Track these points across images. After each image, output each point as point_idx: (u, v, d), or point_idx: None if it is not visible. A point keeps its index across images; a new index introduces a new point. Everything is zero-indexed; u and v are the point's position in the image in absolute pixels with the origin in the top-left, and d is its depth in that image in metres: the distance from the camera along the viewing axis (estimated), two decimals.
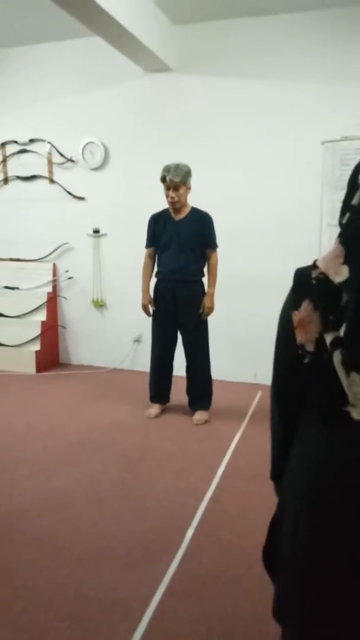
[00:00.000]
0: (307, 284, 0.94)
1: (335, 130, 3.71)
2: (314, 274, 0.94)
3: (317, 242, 3.67)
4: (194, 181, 3.37)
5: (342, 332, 0.87)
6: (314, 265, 0.96)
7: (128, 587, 1.91)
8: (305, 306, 0.93)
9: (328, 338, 0.89)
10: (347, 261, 0.90)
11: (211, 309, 3.43)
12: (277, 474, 1.14)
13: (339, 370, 0.88)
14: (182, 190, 3.27)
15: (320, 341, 0.91)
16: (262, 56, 4.00)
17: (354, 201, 0.91)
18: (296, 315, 0.95)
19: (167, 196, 3.30)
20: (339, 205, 3.49)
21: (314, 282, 0.93)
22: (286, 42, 3.92)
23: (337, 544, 0.94)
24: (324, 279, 0.92)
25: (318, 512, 0.95)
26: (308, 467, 0.98)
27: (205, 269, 3.48)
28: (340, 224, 0.95)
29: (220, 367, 4.00)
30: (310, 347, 0.93)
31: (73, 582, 1.94)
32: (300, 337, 0.94)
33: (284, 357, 1.04)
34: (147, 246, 3.52)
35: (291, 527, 1.02)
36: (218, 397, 3.66)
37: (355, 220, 0.90)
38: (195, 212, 3.41)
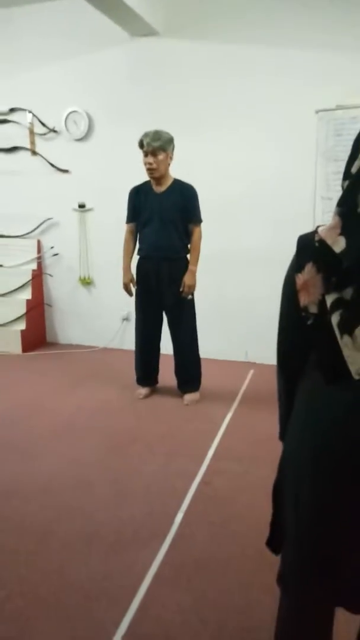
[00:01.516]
0: (310, 247, 0.96)
1: (330, 99, 3.55)
2: (317, 237, 0.96)
3: (311, 215, 3.55)
4: (181, 152, 3.22)
5: (348, 295, 0.90)
6: (316, 231, 0.98)
7: (115, 575, 1.85)
8: (309, 269, 0.96)
9: (329, 299, 0.92)
10: (343, 233, 0.92)
11: (192, 287, 3.25)
12: (284, 434, 1.17)
13: (336, 330, 0.92)
14: (161, 157, 3.05)
15: (323, 303, 0.94)
16: (253, 21, 3.80)
17: (353, 169, 0.91)
18: (300, 279, 0.98)
19: (145, 163, 3.09)
20: (332, 177, 3.38)
21: (316, 244, 0.95)
22: (279, 7, 3.72)
23: (342, 505, 0.96)
24: (326, 243, 0.94)
25: (321, 471, 0.97)
26: (311, 426, 1.01)
27: (189, 245, 3.30)
28: (342, 188, 0.95)
29: (211, 346, 3.92)
30: (313, 309, 0.96)
31: (59, 570, 1.88)
32: (303, 299, 0.98)
33: (288, 319, 1.07)
34: (128, 221, 3.34)
35: (293, 493, 1.04)
36: (209, 376, 3.59)
37: (353, 190, 0.91)
38: (177, 183, 3.21)
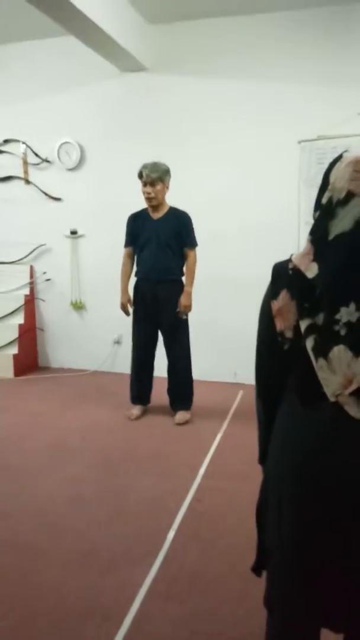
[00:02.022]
0: (284, 275, 1.01)
1: (312, 129, 3.74)
2: (290, 265, 1.01)
3: (296, 241, 3.69)
4: (172, 181, 3.36)
5: (319, 320, 0.93)
6: (290, 259, 1.03)
7: (109, 591, 1.88)
8: (283, 296, 1.00)
9: (303, 325, 0.96)
10: (315, 259, 0.96)
11: (188, 308, 3.41)
12: (264, 457, 1.19)
13: (311, 354, 0.95)
14: (159, 187, 3.25)
15: (297, 328, 0.97)
16: (237, 56, 4.02)
17: (324, 200, 0.98)
18: (275, 305, 1.02)
19: (144, 192, 3.29)
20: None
21: (290, 272, 1.00)
22: (261, 42, 3.94)
23: (321, 528, 0.98)
24: (298, 270, 0.98)
25: (301, 494, 1.00)
26: (289, 448, 1.03)
27: (184, 268, 3.46)
28: (313, 218, 1.02)
29: (201, 367, 3.99)
30: (289, 334, 1.00)
31: (53, 588, 1.91)
32: (279, 324, 1.01)
33: (264, 345, 1.10)
34: (126, 245, 3.50)
35: (275, 515, 1.06)
36: (199, 396, 3.65)
37: (323, 219, 0.96)
38: (173, 211, 3.40)
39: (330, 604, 1.04)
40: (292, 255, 1.03)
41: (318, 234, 0.98)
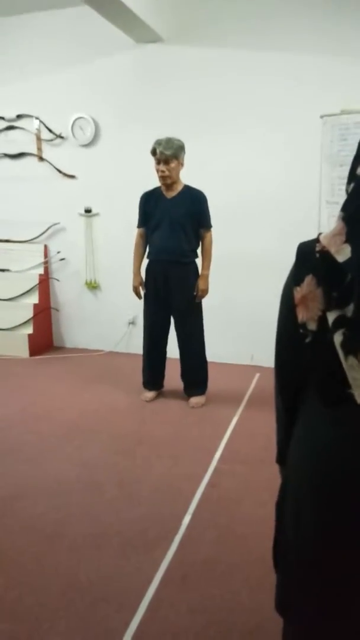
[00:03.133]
0: (310, 259, 0.88)
1: (335, 104, 3.57)
2: (318, 247, 0.88)
3: (316, 220, 3.56)
4: (187, 158, 3.25)
5: (349, 312, 0.81)
6: (318, 240, 0.90)
7: (124, 576, 1.87)
8: (308, 282, 0.88)
9: (331, 317, 0.84)
10: (348, 239, 0.84)
11: (205, 292, 3.31)
12: (283, 457, 1.10)
13: (339, 351, 0.83)
14: (173, 165, 3.12)
15: (323, 319, 0.86)
16: (258, 26, 3.84)
17: (359, 171, 0.85)
18: (298, 292, 0.90)
19: (158, 170, 3.15)
20: (337, 182, 3.38)
21: (317, 255, 0.87)
22: (284, 11, 3.76)
23: (342, 532, 0.90)
24: (327, 254, 0.86)
25: (322, 500, 0.92)
26: (310, 452, 0.94)
27: (199, 250, 3.36)
28: (346, 192, 0.88)
29: (217, 350, 3.94)
30: (312, 326, 0.88)
31: (68, 571, 1.90)
32: (301, 315, 0.89)
33: (285, 336, 0.99)
34: (139, 226, 3.40)
35: (294, 517, 0.99)
36: (215, 380, 3.61)
37: (358, 193, 0.84)
38: (188, 190, 3.27)
39: (350, 618, 0.96)
40: (319, 234, 0.91)
41: (352, 210, 0.85)
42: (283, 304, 0.96)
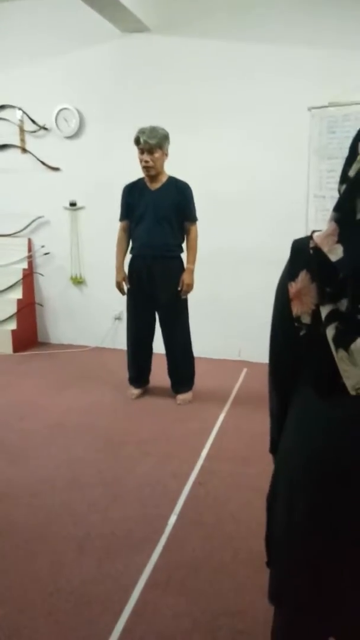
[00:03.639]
0: (305, 254, 0.91)
1: (323, 96, 3.53)
2: (312, 244, 0.90)
3: (304, 214, 3.53)
4: (173, 149, 3.18)
5: (342, 306, 0.85)
6: (311, 237, 0.92)
7: (108, 580, 1.82)
8: (302, 277, 0.91)
9: (324, 311, 0.87)
10: (340, 240, 0.86)
11: (190, 286, 3.22)
12: (276, 448, 1.12)
13: (332, 344, 0.87)
14: (157, 155, 3.02)
15: (316, 313, 0.90)
16: (246, 17, 3.78)
17: (351, 172, 0.86)
18: (293, 287, 0.93)
19: (141, 160, 3.05)
20: (326, 175, 3.34)
21: (311, 251, 0.89)
22: (272, 5, 3.70)
23: (333, 519, 0.92)
24: (321, 251, 0.88)
25: (315, 487, 0.94)
26: (303, 441, 0.96)
27: (184, 244, 3.28)
28: (339, 192, 0.90)
29: (204, 344, 3.89)
30: (306, 319, 0.92)
31: (50, 574, 1.84)
32: (296, 309, 0.93)
33: (280, 330, 1.02)
34: (121, 219, 3.29)
35: (285, 507, 1.00)
36: (202, 375, 3.56)
37: (350, 195, 0.86)
38: (172, 181, 3.17)
39: (339, 605, 0.98)
40: (313, 232, 0.93)
41: (344, 211, 0.87)
42: (278, 299, 0.99)
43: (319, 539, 0.95)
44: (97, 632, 1.60)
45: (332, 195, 3.16)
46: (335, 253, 0.86)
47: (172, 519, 2.15)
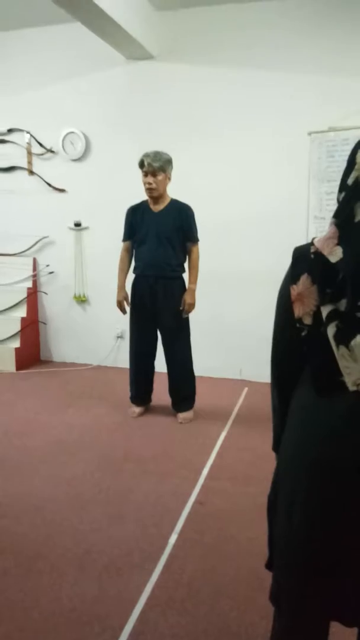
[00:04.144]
0: (306, 259, 0.97)
1: (322, 121, 3.63)
2: (312, 249, 0.97)
3: (304, 236, 3.59)
4: (176, 173, 3.26)
5: (341, 306, 0.90)
6: (312, 243, 0.99)
7: (108, 599, 1.82)
8: (304, 280, 0.96)
9: (324, 311, 0.92)
10: (340, 242, 0.92)
11: (192, 306, 3.28)
12: (278, 446, 1.15)
13: (332, 342, 0.91)
14: (160, 177, 3.11)
15: (317, 314, 0.95)
16: (247, 44, 3.90)
17: (349, 180, 0.93)
18: (294, 290, 0.98)
19: (145, 183, 3.14)
20: (326, 197, 3.43)
21: (312, 256, 0.96)
22: (273, 31, 3.82)
23: (334, 516, 0.95)
24: (321, 254, 0.94)
25: (316, 484, 0.97)
26: (305, 438, 1.00)
27: (186, 264, 3.34)
28: (338, 201, 0.96)
29: (205, 364, 3.92)
30: (307, 320, 0.97)
31: (50, 593, 1.84)
32: (298, 310, 0.98)
33: (282, 331, 1.08)
34: (124, 239, 3.37)
35: (287, 503, 1.03)
36: (203, 394, 3.58)
37: (349, 201, 0.92)
38: (175, 203, 3.26)
39: (342, 596, 1.01)
40: (313, 238, 1.00)
41: (343, 216, 0.93)
42: (280, 302, 1.05)
43: (319, 534, 0.98)
44: None
45: (331, 217, 3.23)
46: (336, 254, 0.91)
47: (173, 538, 2.15)
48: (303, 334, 0.98)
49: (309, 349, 0.99)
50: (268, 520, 1.16)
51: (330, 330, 0.91)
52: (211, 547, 2.09)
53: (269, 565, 1.18)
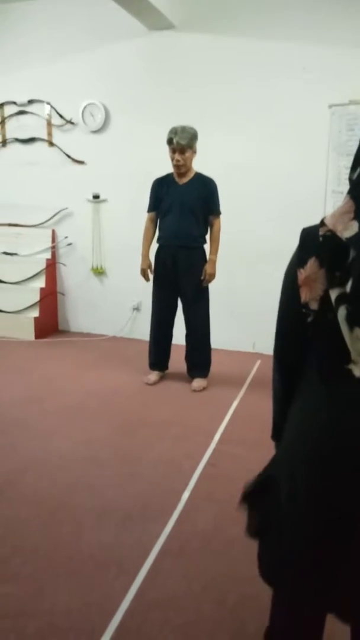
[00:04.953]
0: (314, 242, 0.94)
1: (343, 94, 3.59)
2: (321, 231, 0.93)
3: (322, 209, 3.61)
4: (197, 145, 3.29)
5: (348, 287, 0.87)
6: (322, 224, 0.95)
7: (124, 546, 1.94)
8: (311, 264, 0.93)
9: (333, 294, 0.89)
10: (357, 216, 0.89)
11: (212, 276, 3.40)
12: (278, 434, 1.15)
13: (342, 326, 0.88)
14: (188, 154, 3.21)
15: (324, 299, 0.91)
16: (269, 15, 3.84)
17: None
18: (301, 274, 0.95)
19: (173, 159, 3.23)
20: (344, 171, 3.46)
21: (320, 239, 0.93)
22: (294, 2, 3.75)
23: (335, 505, 0.94)
24: (331, 236, 0.91)
25: (317, 474, 0.96)
26: (308, 428, 0.98)
27: (207, 236, 3.43)
28: (350, 180, 0.94)
29: (220, 336, 3.98)
30: (314, 306, 0.93)
31: (70, 541, 1.97)
32: (304, 295, 0.94)
33: (287, 316, 1.04)
34: (149, 210, 3.47)
35: (288, 491, 1.02)
36: (217, 365, 3.66)
37: None
38: (199, 177, 3.34)
39: (340, 587, 1.00)
40: (323, 219, 0.96)
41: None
42: (286, 286, 1.01)
43: (321, 524, 0.97)
44: (113, 592, 1.73)
45: (346, 193, 3.24)
46: (351, 229, 0.88)
47: (185, 495, 2.26)
48: (309, 319, 0.94)
49: (314, 336, 0.95)
50: (248, 504, 1.16)
51: (342, 313, 0.87)
52: (222, 504, 2.20)
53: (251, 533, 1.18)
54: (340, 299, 0.88)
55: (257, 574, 1.78)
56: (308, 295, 0.93)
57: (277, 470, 1.08)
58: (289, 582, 1.07)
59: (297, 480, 0.99)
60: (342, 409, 0.92)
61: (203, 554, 1.91)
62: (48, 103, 4.58)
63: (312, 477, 0.96)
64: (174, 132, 3.17)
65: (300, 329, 0.96)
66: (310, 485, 0.97)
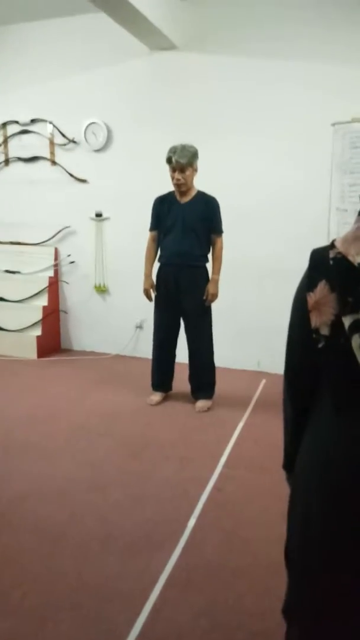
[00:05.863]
0: (324, 264, 0.90)
1: (346, 111, 3.59)
2: (332, 254, 0.90)
3: (325, 228, 3.58)
4: (199, 163, 3.28)
5: None
6: (332, 245, 0.91)
7: (129, 577, 1.88)
8: (321, 288, 0.89)
9: (347, 321, 0.85)
10: None
11: (215, 296, 3.35)
12: (290, 464, 1.10)
13: (357, 354, 0.84)
14: (188, 172, 3.18)
15: (335, 324, 0.87)
16: (270, 34, 3.87)
17: None
18: (311, 298, 0.91)
19: (173, 178, 3.22)
20: (348, 189, 3.40)
21: (331, 262, 0.89)
22: (296, 20, 3.79)
23: (350, 539, 0.90)
24: (342, 259, 0.87)
25: (332, 505, 0.92)
26: (320, 457, 0.94)
27: (209, 255, 3.39)
28: None
29: (224, 355, 3.94)
30: (325, 331, 0.89)
31: (73, 571, 1.91)
32: (314, 320, 0.91)
33: (296, 342, 1.00)
34: (151, 229, 3.44)
35: (302, 521, 0.99)
36: (221, 384, 3.61)
37: None
38: (201, 195, 3.32)
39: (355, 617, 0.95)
40: (334, 240, 0.92)
41: None
42: (295, 310, 0.98)
43: (335, 554, 0.93)
44: (117, 627, 1.66)
45: (354, 209, 3.20)
46: None
47: (191, 522, 2.20)
48: (320, 345, 0.90)
49: (326, 362, 0.91)
50: (287, 535, 1.08)
51: (356, 341, 0.84)
52: (229, 532, 2.14)
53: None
54: (355, 326, 0.85)
55: (266, 607, 1.72)
56: (318, 321, 0.90)
57: (294, 503, 1.04)
58: (304, 615, 1.02)
59: (312, 510, 0.96)
60: (355, 440, 0.88)
61: (211, 585, 1.84)
62: (50, 122, 4.61)
63: (326, 506, 0.92)
64: (173, 150, 3.15)
65: (312, 353, 0.92)
66: (325, 515, 0.93)
